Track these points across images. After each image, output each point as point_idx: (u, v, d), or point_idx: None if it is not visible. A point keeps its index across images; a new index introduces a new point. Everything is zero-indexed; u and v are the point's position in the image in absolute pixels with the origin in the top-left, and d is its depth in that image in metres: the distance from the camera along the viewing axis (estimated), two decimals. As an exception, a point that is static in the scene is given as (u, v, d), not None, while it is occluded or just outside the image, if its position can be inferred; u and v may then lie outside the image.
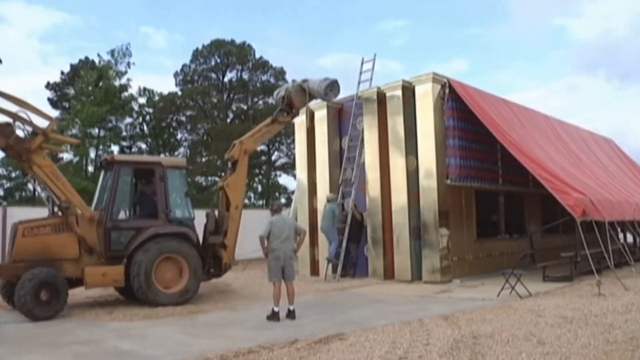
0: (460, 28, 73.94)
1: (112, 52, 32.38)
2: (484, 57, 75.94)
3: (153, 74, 63.41)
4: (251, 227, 16.96)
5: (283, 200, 37.95)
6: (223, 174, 11.94)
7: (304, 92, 12.76)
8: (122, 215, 10.49)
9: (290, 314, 8.30)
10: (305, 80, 12.89)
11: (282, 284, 8.47)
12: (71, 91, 34.20)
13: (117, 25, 58.50)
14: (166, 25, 61.67)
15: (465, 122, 13.11)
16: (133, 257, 9.67)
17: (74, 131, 30.39)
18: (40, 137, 9.45)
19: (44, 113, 9.69)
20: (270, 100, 33.35)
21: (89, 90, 30.38)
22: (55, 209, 10.04)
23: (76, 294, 11.05)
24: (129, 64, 32.82)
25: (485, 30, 73.81)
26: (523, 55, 77.19)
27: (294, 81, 13.32)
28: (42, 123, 9.65)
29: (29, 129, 9.53)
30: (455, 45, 74.52)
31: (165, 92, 35.92)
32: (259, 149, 39.00)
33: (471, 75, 75.87)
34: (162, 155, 31.82)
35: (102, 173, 11.22)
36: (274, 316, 8.19)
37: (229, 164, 11.82)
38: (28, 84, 53.22)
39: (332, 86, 12.91)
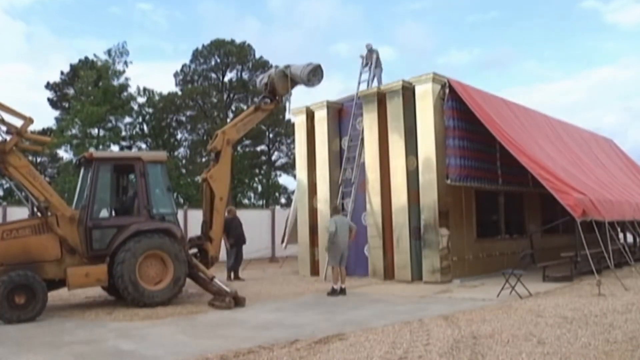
0: (479, 13, 72.29)
1: (109, 52, 32.41)
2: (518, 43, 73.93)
3: (153, 62, 61.11)
4: (252, 227, 17.08)
5: (283, 200, 38.01)
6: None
7: (287, 77, 12.22)
8: (104, 213, 10.31)
9: (343, 291, 10.80)
10: (287, 66, 12.36)
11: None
12: (71, 91, 34.20)
13: (111, 1, 55.51)
14: (165, 1, 58.78)
15: (465, 122, 13.11)
16: (116, 255, 9.51)
17: (73, 131, 30.41)
18: (15, 137, 9.22)
19: (18, 112, 9.38)
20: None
21: (89, 90, 30.39)
22: (35, 210, 9.84)
23: (76, 294, 11.09)
24: (126, 63, 32.87)
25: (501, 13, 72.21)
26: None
27: (276, 67, 12.89)
28: (17, 122, 9.32)
29: (4, 128, 9.30)
30: (475, 30, 73.11)
31: (166, 86, 35.87)
32: (258, 148, 39.21)
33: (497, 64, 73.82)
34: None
35: (81, 171, 10.90)
36: (333, 292, 10.76)
37: (212, 155, 11.62)
38: (14, 71, 51.02)
39: (315, 71, 12.31)
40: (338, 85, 65.16)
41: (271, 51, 62.30)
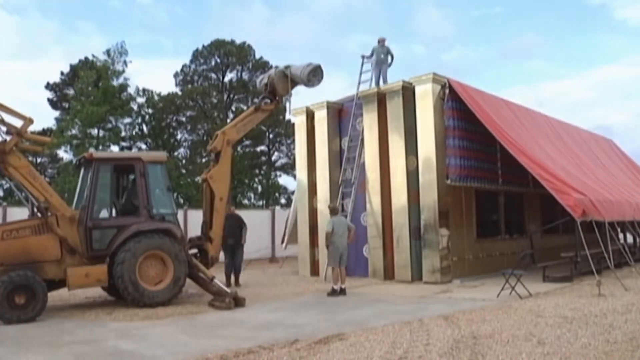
0: (485, 7, 71.97)
1: (108, 52, 32.44)
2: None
3: (152, 58, 60.59)
4: (252, 227, 17.08)
5: (283, 201, 38.01)
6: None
7: (287, 78, 12.19)
8: (104, 213, 10.31)
9: (342, 291, 10.82)
10: (287, 66, 12.33)
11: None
12: (71, 91, 34.21)
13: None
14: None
15: (465, 122, 13.11)
16: (116, 255, 9.50)
17: (73, 131, 30.40)
18: (15, 137, 9.22)
19: (18, 113, 9.37)
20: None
21: (89, 90, 30.40)
22: (35, 210, 9.83)
23: (76, 294, 11.09)
24: (125, 63, 32.88)
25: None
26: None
27: (276, 67, 12.85)
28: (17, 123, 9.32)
29: (4, 128, 9.30)
30: (480, 25, 72.51)
31: (165, 83, 35.60)
32: (258, 149, 39.21)
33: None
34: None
35: (81, 171, 10.89)
36: (333, 292, 10.76)
37: (212, 156, 11.61)
38: (11, 69, 50.48)
39: (315, 71, 12.26)
40: (345, 81, 64.94)
41: (276, 47, 62.01)
